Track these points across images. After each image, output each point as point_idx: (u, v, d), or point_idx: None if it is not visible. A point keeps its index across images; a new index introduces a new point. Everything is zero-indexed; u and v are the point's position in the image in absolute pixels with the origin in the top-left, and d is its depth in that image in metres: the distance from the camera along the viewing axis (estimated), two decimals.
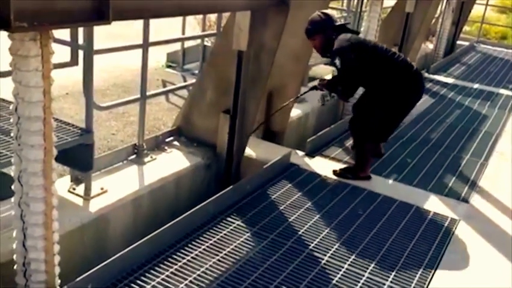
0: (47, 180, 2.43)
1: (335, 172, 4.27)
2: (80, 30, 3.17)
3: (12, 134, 2.37)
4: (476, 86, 8.26)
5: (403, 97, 4.00)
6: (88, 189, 3.46)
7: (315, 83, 4.34)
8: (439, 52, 10.41)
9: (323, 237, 3.37)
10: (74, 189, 3.51)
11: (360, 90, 4.17)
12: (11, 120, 2.37)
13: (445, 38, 10.32)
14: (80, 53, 3.25)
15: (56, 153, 2.43)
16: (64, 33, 3.01)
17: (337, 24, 3.99)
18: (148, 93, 4.04)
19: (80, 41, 3.18)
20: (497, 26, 15.23)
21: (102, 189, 3.56)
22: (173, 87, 4.85)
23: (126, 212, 3.59)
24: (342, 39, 3.90)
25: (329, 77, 4.58)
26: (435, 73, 8.72)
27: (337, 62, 3.86)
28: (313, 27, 3.95)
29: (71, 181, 3.57)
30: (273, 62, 4.10)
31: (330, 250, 3.24)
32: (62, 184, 3.49)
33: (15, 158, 2.38)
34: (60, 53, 2.95)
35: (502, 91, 8.04)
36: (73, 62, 3.23)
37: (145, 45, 3.80)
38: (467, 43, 11.87)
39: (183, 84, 5.40)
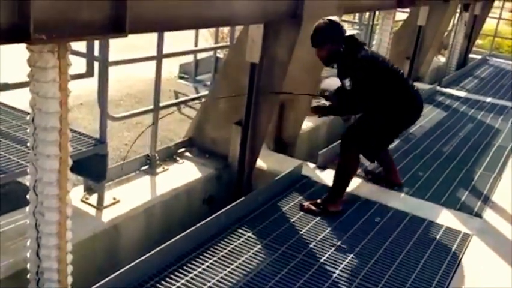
0: (61, 190, 2.46)
1: (302, 206, 3.87)
2: (96, 42, 3.21)
3: (28, 144, 2.41)
4: (488, 99, 8.21)
5: (405, 114, 3.96)
6: (100, 199, 3.49)
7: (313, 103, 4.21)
8: (451, 65, 10.37)
9: (334, 250, 3.36)
10: (87, 198, 3.54)
11: None
12: (27, 130, 2.40)
13: (457, 51, 10.29)
14: (96, 64, 3.29)
15: (71, 163, 2.46)
16: (79, 45, 3.05)
17: (346, 35, 3.76)
18: (161, 104, 4.08)
19: (96, 52, 3.22)
20: (510, 40, 15.16)
21: (114, 199, 3.58)
22: (186, 98, 4.90)
23: (138, 222, 3.61)
24: (355, 58, 3.66)
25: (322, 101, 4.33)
26: (447, 86, 8.68)
27: (347, 82, 3.70)
28: (322, 37, 3.66)
29: (84, 191, 3.60)
30: (285, 74, 4.12)
31: (341, 264, 3.22)
32: (76, 194, 3.52)
33: (30, 168, 2.41)
34: (76, 65, 3.00)
35: None
36: (89, 73, 3.27)
37: (159, 57, 3.85)
38: (479, 56, 11.83)
39: (196, 95, 5.44)
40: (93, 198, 3.52)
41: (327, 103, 3.99)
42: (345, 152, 3.91)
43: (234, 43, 4.66)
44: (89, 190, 3.60)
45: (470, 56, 11.50)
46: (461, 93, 8.40)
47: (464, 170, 5.03)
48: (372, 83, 3.69)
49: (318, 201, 3.88)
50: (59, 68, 2.27)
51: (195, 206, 4.18)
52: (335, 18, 3.76)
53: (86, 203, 3.51)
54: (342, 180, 3.89)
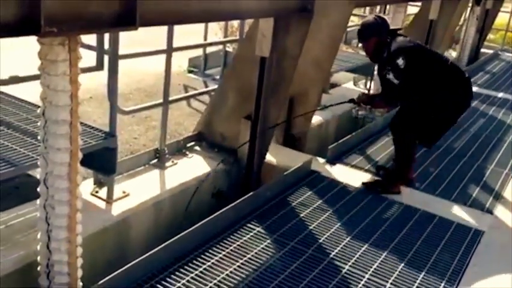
0: (72, 183, 2.46)
1: (364, 184, 4.21)
2: (106, 35, 3.21)
3: (38, 137, 2.41)
4: (500, 95, 8.13)
5: (454, 102, 3.99)
6: (110, 193, 3.50)
7: (354, 96, 4.23)
8: (463, 60, 10.27)
9: (344, 245, 3.35)
10: (97, 192, 3.54)
11: None
12: (38, 124, 2.40)
13: (469, 45, 10.20)
14: (106, 57, 3.29)
15: (81, 157, 2.46)
16: (89, 39, 3.05)
17: (392, 28, 3.97)
18: (170, 99, 4.07)
19: (106, 46, 3.22)
20: None
21: (124, 192, 3.59)
22: (195, 92, 4.89)
23: (147, 215, 3.61)
24: (403, 40, 3.87)
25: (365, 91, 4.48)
26: None
27: (400, 61, 3.74)
28: (369, 30, 3.92)
29: (94, 184, 3.60)
30: (295, 69, 4.10)
31: (351, 259, 3.20)
32: (85, 187, 3.52)
33: (41, 161, 2.42)
34: (86, 58, 2.99)
35: None
36: (99, 66, 3.27)
37: (169, 50, 3.83)
38: (491, 51, 11.70)
39: (205, 89, 5.42)
40: (103, 192, 3.52)
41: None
42: (400, 140, 4.07)
43: (243, 37, 4.63)
44: (99, 183, 3.60)
45: (482, 50, 11.38)
46: (473, 88, 8.29)
47: (476, 166, 4.98)
48: (421, 68, 3.80)
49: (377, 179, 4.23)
50: (69, 61, 2.26)
51: (204, 200, 4.18)
52: (381, 15, 4.07)
53: (96, 196, 3.51)
54: (402, 166, 4.12)
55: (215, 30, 7.98)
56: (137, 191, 3.65)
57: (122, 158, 3.87)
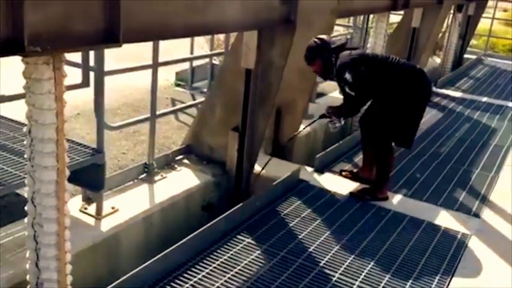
0: (60, 201, 2.47)
1: (352, 194, 4.26)
2: (91, 52, 3.22)
3: (25, 156, 2.42)
4: (484, 99, 8.24)
5: (413, 97, 4.05)
6: (99, 209, 3.50)
7: (324, 110, 4.33)
8: (446, 66, 10.41)
9: (333, 253, 3.37)
10: (85, 208, 3.54)
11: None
12: (24, 142, 2.41)
13: (452, 52, 10.34)
14: (91, 74, 3.30)
15: (69, 174, 2.47)
16: (75, 56, 3.07)
17: (334, 46, 4.05)
18: (158, 113, 4.09)
19: (91, 62, 3.24)
20: (505, 39, 15.21)
21: (113, 208, 3.59)
22: (182, 105, 4.91)
23: (137, 230, 3.61)
24: (344, 55, 3.99)
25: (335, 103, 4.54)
26: (442, 87, 8.72)
27: (347, 76, 3.88)
28: (311, 53, 4.05)
29: (83, 200, 3.61)
30: (281, 79, 4.14)
31: (341, 267, 3.23)
32: (74, 204, 3.52)
33: (28, 179, 2.42)
34: (72, 75, 3.01)
35: (511, 104, 8.02)
36: (85, 83, 3.28)
37: (155, 65, 3.86)
38: (474, 57, 11.87)
39: (192, 102, 5.45)
40: (92, 208, 3.53)
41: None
42: (377, 147, 4.17)
43: (229, 49, 4.68)
44: (87, 200, 3.60)
45: (465, 56, 11.54)
46: (457, 94, 8.43)
47: (462, 170, 5.05)
48: (370, 75, 3.90)
49: (364, 187, 4.29)
50: (54, 79, 2.28)
51: (194, 213, 4.19)
52: (323, 36, 4.12)
53: (85, 212, 3.51)
54: (383, 170, 4.17)
55: (201, 44, 8.04)
56: (127, 206, 3.66)
57: (110, 174, 3.87)
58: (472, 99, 8.10)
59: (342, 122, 4.24)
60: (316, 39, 4.07)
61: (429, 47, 8.74)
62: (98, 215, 3.49)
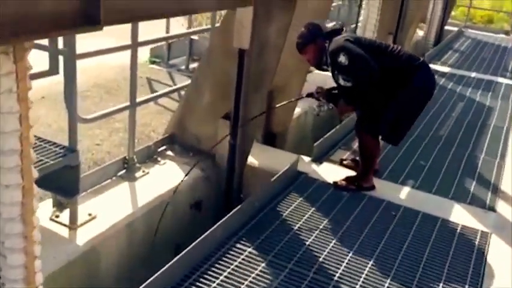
0: (27, 227, 1.96)
1: (336, 184, 3.84)
2: None
3: None
4: (473, 74, 7.95)
5: (416, 92, 3.57)
6: (73, 217, 2.99)
7: (312, 89, 3.87)
8: (429, 39, 10.09)
9: (347, 262, 2.97)
10: (57, 216, 3.03)
11: None
12: None
13: (436, 24, 10.00)
14: (61, 58, 2.74)
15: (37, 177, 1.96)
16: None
17: (328, 30, 3.57)
18: (138, 100, 3.56)
19: (60, 45, 2.68)
20: (483, 10, 14.96)
21: (90, 215, 3.08)
22: (165, 90, 4.31)
23: (119, 240, 3.12)
24: (337, 39, 3.50)
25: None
26: (429, 62, 8.29)
27: (341, 59, 3.40)
28: (303, 40, 3.57)
29: (54, 207, 3.08)
30: (278, 61, 3.67)
31: (359, 278, 2.83)
32: (43, 211, 3.00)
33: None
34: (37, 60, 2.47)
35: (501, 80, 7.76)
36: (53, 70, 2.71)
37: (134, 45, 3.32)
38: (454, 28, 11.57)
39: (176, 86, 4.88)
40: (64, 216, 3.01)
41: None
42: (362, 138, 3.78)
43: (216, 26, 4.14)
44: (59, 206, 3.08)
45: (445, 28, 11.22)
46: (445, 69, 8.11)
47: (466, 155, 4.71)
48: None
49: (349, 175, 3.90)
50: (16, 74, 1.76)
51: (182, 213, 3.72)
52: (316, 20, 3.68)
53: (57, 221, 3.00)
54: (368, 160, 3.81)
55: (178, 19, 7.37)
56: (106, 211, 3.16)
57: (85, 173, 3.34)
58: (461, 75, 7.80)
59: (331, 107, 3.79)
60: (308, 25, 3.58)
61: (417, 19, 8.37)
62: (73, 224, 2.98)
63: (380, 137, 3.74)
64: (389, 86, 3.50)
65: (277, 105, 4.15)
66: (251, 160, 4.06)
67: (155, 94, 4.45)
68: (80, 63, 2.84)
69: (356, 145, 4.64)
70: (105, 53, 3.32)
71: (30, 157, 1.89)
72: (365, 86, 3.45)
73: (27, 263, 1.99)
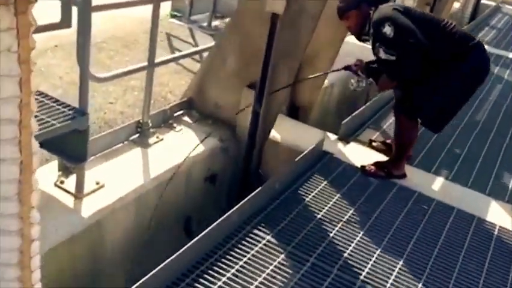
0: (23, 207, 1.71)
1: (363, 169, 3.54)
2: None
3: None
4: (511, 55, 7.49)
5: (468, 75, 3.22)
6: (80, 185, 2.73)
7: (350, 62, 3.53)
8: (466, 12, 9.55)
9: (376, 259, 2.71)
10: (62, 182, 2.77)
11: None
12: None
13: None
14: (74, 9, 2.43)
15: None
16: None
17: None
18: (156, 60, 3.24)
19: None
20: None
21: (98, 183, 2.82)
22: (186, 52, 3.98)
23: (128, 214, 2.87)
24: (384, 7, 3.19)
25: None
26: None
27: (386, 30, 3.06)
28: (346, 4, 3.27)
29: (59, 171, 2.83)
30: (313, 31, 3.31)
31: (389, 278, 2.58)
32: (47, 174, 2.76)
33: None
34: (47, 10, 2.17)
35: None
36: (64, 22, 2.40)
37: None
38: (489, 2, 10.96)
39: (198, 48, 4.53)
40: (70, 182, 2.76)
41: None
42: (401, 122, 3.41)
43: None
44: (64, 170, 2.82)
45: (481, 2, 10.62)
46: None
47: (505, 145, 4.39)
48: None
49: (379, 160, 3.60)
50: (16, 29, 1.46)
51: (195, 184, 3.46)
52: None
53: (61, 188, 2.75)
54: (403, 146, 3.49)
55: None
56: (114, 180, 2.89)
57: (94, 136, 3.07)
58: (498, 54, 7.33)
59: (369, 82, 3.46)
60: None
61: None
62: (79, 193, 2.73)
63: (420, 122, 3.41)
64: (438, 66, 3.15)
65: (310, 76, 3.82)
66: (273, 134, 3.77)
67: (175, 55, 4.14)
68: (97, 12, 2.53)
69: (386, 125, 4.35)
70: (124, 7, 2.99)
71: (30, 128, 1.61)
72: (410, 63, 3.10)
73: (23, 246, 1.75)
